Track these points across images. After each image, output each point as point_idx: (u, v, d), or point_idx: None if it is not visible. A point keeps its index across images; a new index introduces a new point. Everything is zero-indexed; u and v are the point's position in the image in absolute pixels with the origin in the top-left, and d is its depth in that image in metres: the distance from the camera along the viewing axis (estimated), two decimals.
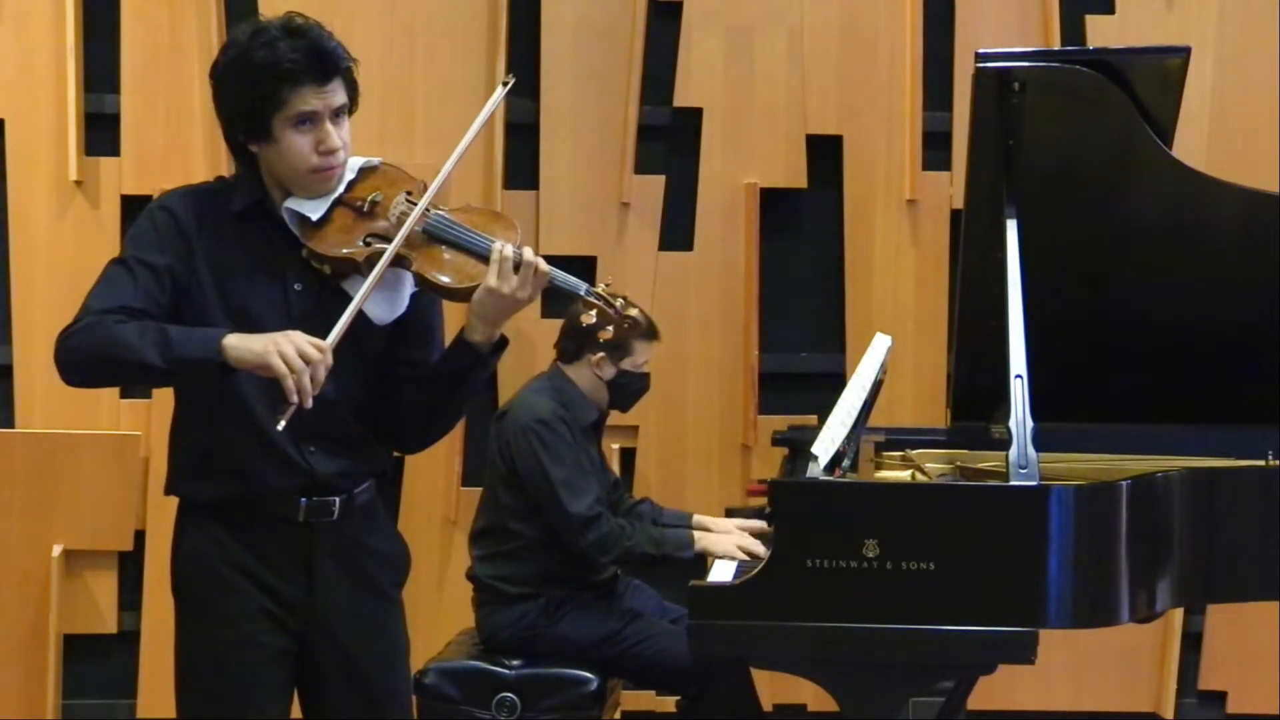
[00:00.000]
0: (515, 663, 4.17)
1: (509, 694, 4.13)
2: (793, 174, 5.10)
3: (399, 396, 3.03)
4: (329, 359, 2.77)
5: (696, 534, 4.17)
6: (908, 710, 3.36)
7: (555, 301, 4.73)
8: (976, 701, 4.37)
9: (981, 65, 3.61)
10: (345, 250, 2.90)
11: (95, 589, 5.04)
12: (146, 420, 5.02)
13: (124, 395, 5.05)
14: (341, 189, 2.95)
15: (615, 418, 4.76)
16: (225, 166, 4.99)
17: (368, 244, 2.90)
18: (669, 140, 5.14)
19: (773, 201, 5.11)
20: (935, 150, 5.09)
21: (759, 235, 5.09)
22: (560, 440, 4.14)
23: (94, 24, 5.02)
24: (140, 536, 5.04)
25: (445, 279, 2.91)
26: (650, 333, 4.30)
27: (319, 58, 2.87)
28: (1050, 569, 3.25)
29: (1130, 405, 4.03)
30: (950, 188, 5.06)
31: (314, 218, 2.92)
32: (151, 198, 4.92)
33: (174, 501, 5.10)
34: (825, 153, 5.10)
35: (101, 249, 5.01)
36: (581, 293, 2.94)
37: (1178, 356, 4.01)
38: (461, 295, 2.91)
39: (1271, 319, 3.95)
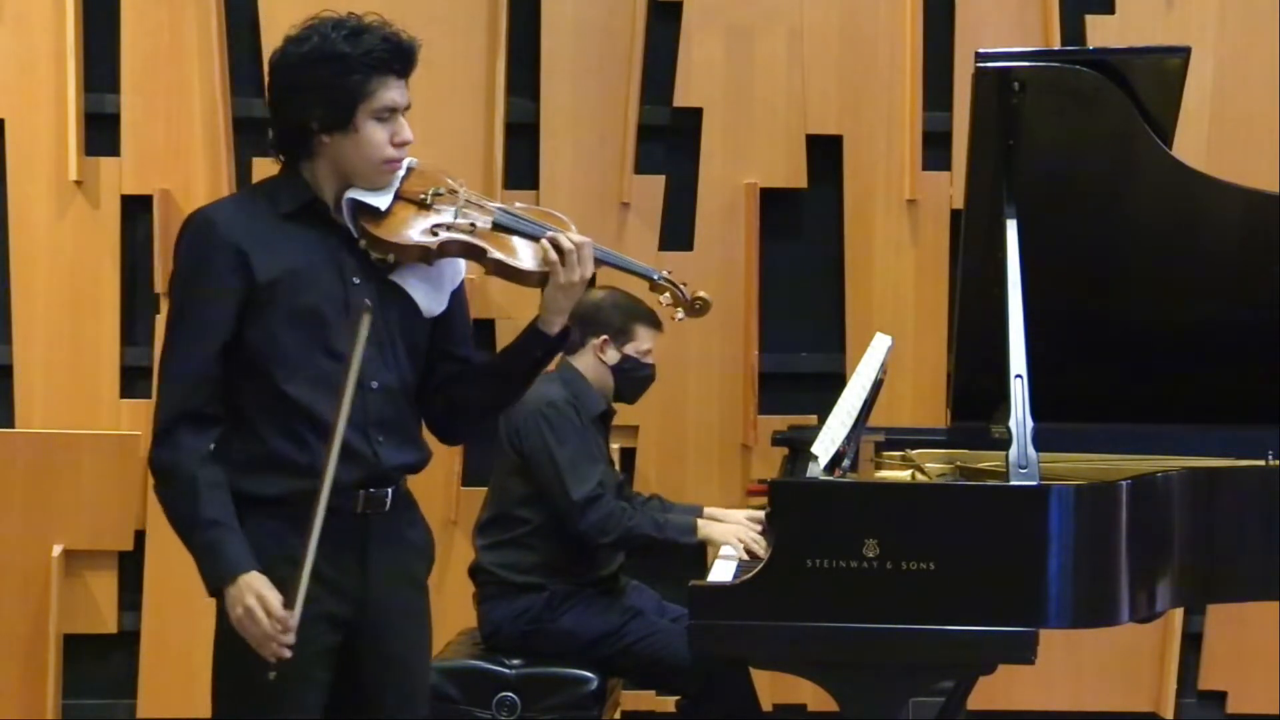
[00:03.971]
0: (515, 662, 4.17)
1: (509, 693, 4.13)
2: (793, 174, 5.10)
3: (453, 391, 3.11)
4: (291, 622, 2.86)
5: (700, 521, 4.18)
6: (908, 710, 3.36)
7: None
8: (976, 701, 4.37)
9: (981, 65, 3.61)
10: (417, 238, 2.99)
11: (95, 589, 5.04)
12: (146, 420, 4.97)
13: (124, 395, 5.05)
14: (398, 184, 3.03)
15: (616, 417, 4.76)
16: (225, 166, 5.01)
17: (435, 233, 2.99)
18: (669, 140, 5.14)
19: (773, 201, 5.11)
20: (935, 150, 5.09)
21: (759, 235, 5.09)
22: (567, 423, 4.17)
23: (94, 24, 5.02)
24: (140, 536, 5.03)
25: (523, 264, 3.01)
26: (653, 320, 4.32)
27: (403, 53, 2.99)
28: (1050, 569, 3.25)
29: (1130, 405, 4.03)
30: (950, 188, 5.06)
31: (383, 207, 2.99)
32: (152, 198, 5.02)
33: None
34: (825, 153, 5.10)
35: (101, 249, 5.03)
36: (655, 278, 3.12)
37: (1178, 356, 4.01)
38: (537, 279, 3.02)
39: (1271, 319, 3.95)
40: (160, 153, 5.02)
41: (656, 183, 5.12)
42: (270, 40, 5.01)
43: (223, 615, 2.99)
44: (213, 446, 2.92)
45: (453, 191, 3.05)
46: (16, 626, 4.99)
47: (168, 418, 2.91)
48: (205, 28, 4.99)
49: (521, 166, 5.08)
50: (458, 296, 3.12)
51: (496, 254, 3.00)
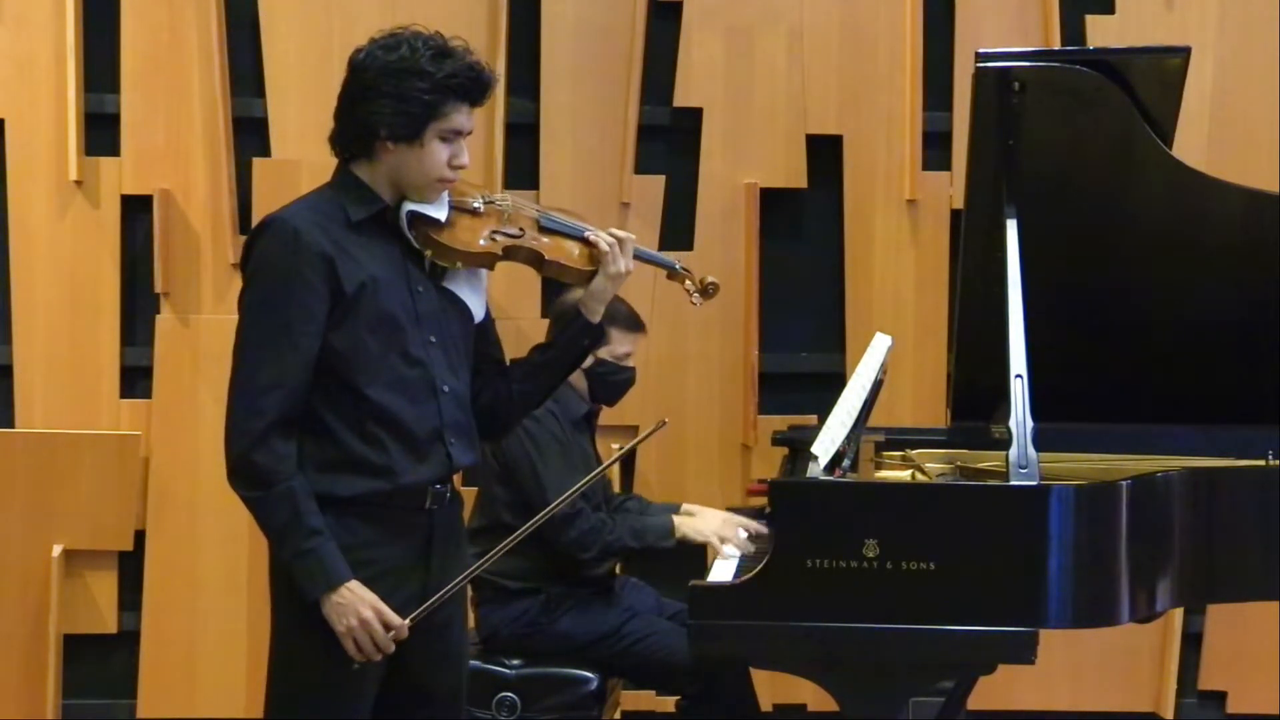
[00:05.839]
0: (515, 662, 4.17)
1: (509, 694, 4.13)
2: (793, 174, 5.10)
3: (496, 390, 3.27)
4: (405, 634, 3.02)
5: (676, 519, 4.17)
6: (908, 710, 3.36)
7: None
8: (976, 701, 4.37)
9: (981, 65, 3.62)
10: (480, 246, 3.13)
11: (95, 589, 5.04)
12: (146, 420, 5.02)
13: (124, 395, 5.05)
14: (448, 197, 3.16)
15: (615, 417, 4.76)
16: (225, 166, 5.01)
17: (494, 239, 3.15)
18: (669, 140, 5.14)
19: (773, 201, 5.10)
20: (935, 150, 5.09)
21: (759, 235, 5.09)
22: (547, 433, 4.15)
23: (94, 24, 5.02)
24: (140, 536, 5.03)
25: (576, 263, 3.20)
26: (631, 323, 4.29)
27: (482, 84, 3.08)
28: (1050, 569, 3.25)
29: (1130, 405, 4.03)
30: (950, 188, 5.06)
31: (443, 219, 3.11)
32: (152, 198, 5.02)
33: (174, 500, 5.12)
34: (825, 153, 5.10)
35: (101, 249, 5.02)
36: (676, 268, 3.42)
37: (1178, 356, 4.01)
38: (586, 276, 3.23)
39: (1271, 319, 3.95)
40: (160, 153, 5.01)
41: (656, 183, 5.12)
42: (270, 40, 5.02)
43: (283, 613, 3.09)
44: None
45: (497, 198, 3.21)
46: (16, 626, 4.99)
47: (265, 424, 2.97)
48: (205, 28, 4.98)
49: (521, 166, 5.08)
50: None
51: (554, 256, 3.19)
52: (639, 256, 3.30)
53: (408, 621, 3.00)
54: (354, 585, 2.98)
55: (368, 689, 3.08)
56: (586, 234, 3.22)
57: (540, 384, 3.31)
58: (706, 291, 3.41)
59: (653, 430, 3.31)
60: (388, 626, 2.99)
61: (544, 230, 3.21)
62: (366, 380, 3.02)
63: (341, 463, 3.03)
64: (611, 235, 3.21)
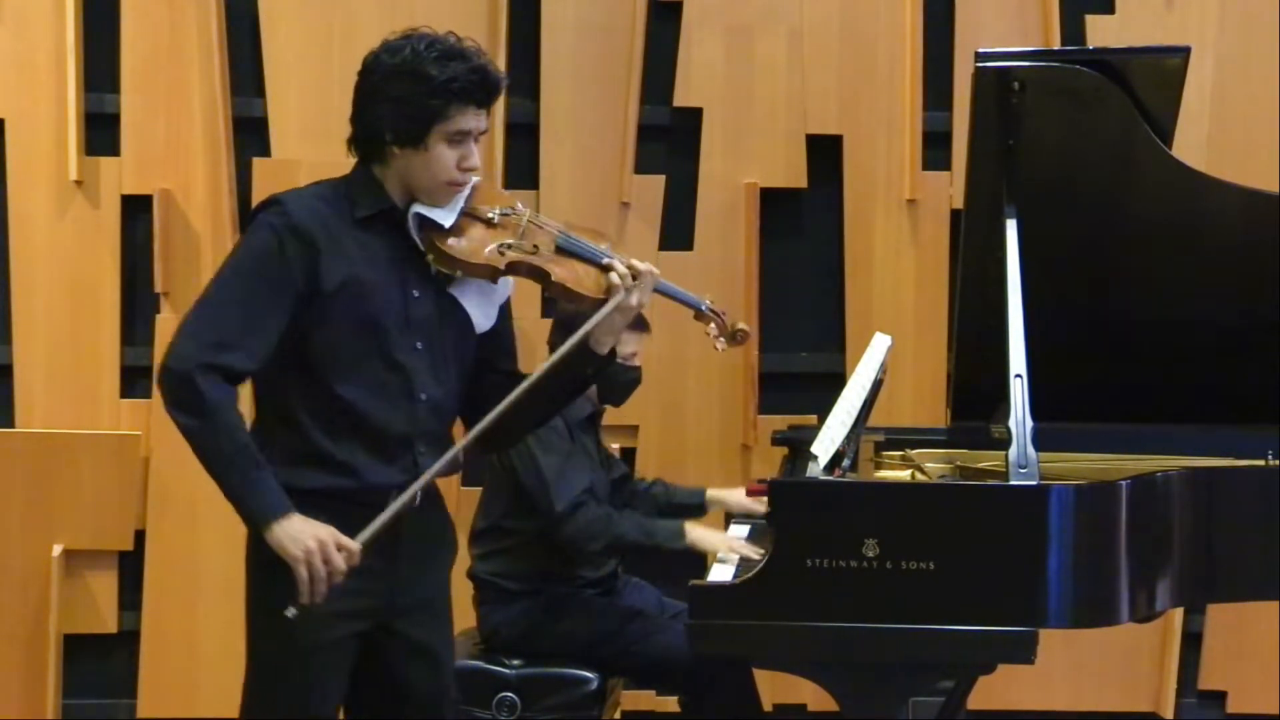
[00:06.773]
0: (515, 662, 4.17)
1: (509, 694, 4.13)
2: (793, 174, 5.10)
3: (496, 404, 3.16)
4: (356, 559, 2.92)
5: (688, 526, 4.16)
6: (908, 710, 3.36)
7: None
8: (976, 701, 4.37)
9: (981, 65, 3.62)
10: (485, 256, 3.06)
11: (95, 589, 5.04)
12: (146, 420, 5.03)
13: (124, 395, 5.05)
14: (463, 202, 3.11)
15: (615, 417, 4.76)
16: (225, 166, 5.01)
17: (502, 252, 3.07)
18: (669, 140, 5.14)
19: (773, 201, 5.11)
20: (935, 150, 5.09)
21: (759, 235, 5.09)
22: (553, 433, 4.14)
23: (94, 24, 5.02)
24: (140, 536, 5.03)
25: (585, 290, 3.10)
26: (638, 323, 4.28)
27: (488, 85, 3.04)
28: (1050, 569, 3.25)
29: (1130, 405, 4.03)
30: (950, 188, 5.06)
31: (447, 224, 3.07)
32: (152, 198, 5.03)
33: (174, 500, 5.12)
34: (825, 153, 5.10)
35: (101, 249, 5.03)
36: (702, 308, 3.27)
37: (1178, 356, 4.01)
38: (594, 304, 3.10)
39: (1271, 319, 3.95)
40: (160, 153, 5.02)
41: (656, 183, 5.12)
42: (270, 40, 5.02)
43: (266, 615, 3.02)
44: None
45: (516, 211, 3.13)
46: (16, 626, 4.99)
47: (216, 362, 2.89)
48: (205, 28, 4.99)
49: (521, 166, 5.09)
50: (503, 311, 3.21)
51: (561, 278, 3.09)
52: (664, 292, 3.19)
53: (358, 544, 2.90)
54: (300, 516, 2.91)
55: (328, 677, 3.04)
56: (605, 261, 3.11)
57: (540, 407, 3.20)
58: (735, 338, 3.29)
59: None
60: (341, 548, 2.91)
61: (560, 250, 3.12)
62: (339, 379, 2.99)
63: (307, 456, 3.00)
64: (631, 267, 3.09)
